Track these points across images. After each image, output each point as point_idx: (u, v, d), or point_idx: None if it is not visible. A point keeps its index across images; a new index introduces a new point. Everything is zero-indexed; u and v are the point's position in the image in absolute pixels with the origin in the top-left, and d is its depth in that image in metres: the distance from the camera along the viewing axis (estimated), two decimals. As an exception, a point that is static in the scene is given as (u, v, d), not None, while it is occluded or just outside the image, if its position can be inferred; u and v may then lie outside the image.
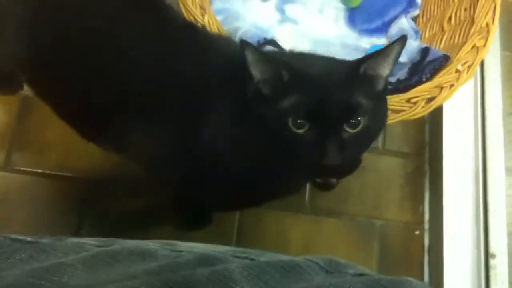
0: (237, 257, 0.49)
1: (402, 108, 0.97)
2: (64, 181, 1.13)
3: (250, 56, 0.67)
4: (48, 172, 1.12)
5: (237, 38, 1.02)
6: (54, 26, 0.80)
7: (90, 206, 1.12)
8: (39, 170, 1.12)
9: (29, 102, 1.15)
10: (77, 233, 1.09)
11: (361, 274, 0.48)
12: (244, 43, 0.67)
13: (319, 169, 0.72)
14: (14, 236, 0.48)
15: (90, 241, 0.49)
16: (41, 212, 1.10)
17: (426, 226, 1.20)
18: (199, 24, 0.95)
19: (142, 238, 1.07)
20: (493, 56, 1.25)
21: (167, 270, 0.43)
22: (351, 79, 0.71)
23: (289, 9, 1.26)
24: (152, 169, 0.86)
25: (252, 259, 0.48)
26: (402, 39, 0.72)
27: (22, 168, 1.12)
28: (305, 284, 0.45)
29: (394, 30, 1.22)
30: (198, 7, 0.98)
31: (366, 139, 0.74)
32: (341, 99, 0.69)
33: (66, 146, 1.13)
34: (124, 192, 1.12)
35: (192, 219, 1.08)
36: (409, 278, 0.47)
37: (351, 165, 0.74)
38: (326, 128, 0.69)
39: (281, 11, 1.25)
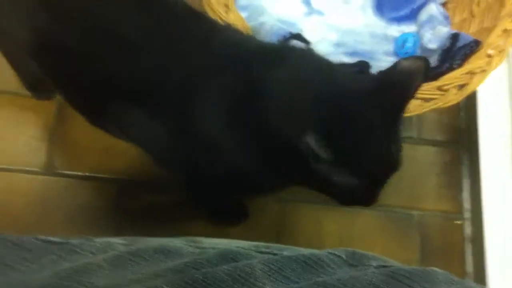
0: (260, 252, 0.49)
1: (433, 96, 0.95)
2: (103, 182, 1.15)
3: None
4: (87, 174, 1.15)
5: (262, 34, 1.02)
6: (57, 16, 0.80)
7: (130, 206, 1.14)
8: (79, 173, 1.15)
9: (66, 106, 1.17)
10: (117, 233, 1.10)
11: (384, 266, 0.47)
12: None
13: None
14: (44, 237, 0.49)
15: (117, 240, 0.50)
16: (81, 214, 1.12)
17: (467, 215, 1.17)
18: (221, 21, 0.96)
19: (180, 235, 1.10)
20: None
21: (190, 268, 0.44)
22: (393, 133, 0.70)
23: (315, 0, 1.25)
24: (157, 156, 0.86)
25: (274, 254, 0.48)
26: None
27: (61, 171, 1.15)
28: (327, 277, 0.45)
29: (423, 17, 1.20)
30: (222, 5, 0.98)
31: None
32: (390, 161, 0.70)
33: (104, 148, 1.14)
34: (162, 191, 1.13)
35: (227, 215, 1.09)
36: (433, 268, 0.47)
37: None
38: (375, 182, 0.70)
39: (307, 3, 1.24)
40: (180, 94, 0.75)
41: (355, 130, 0.67)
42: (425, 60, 0.72)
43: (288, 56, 0.76)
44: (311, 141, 0.63)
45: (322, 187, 0.74)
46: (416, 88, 0.71)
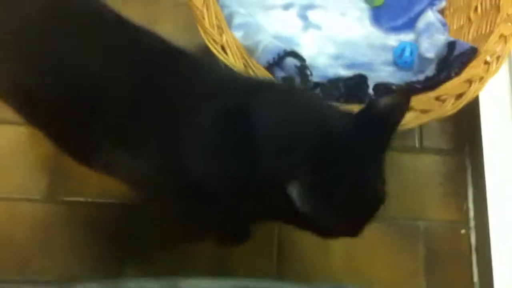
0: None
1: (431, 107, 0.94)
2: (106, 208, 1.14)
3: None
4: (90, 200, 1.14)
5: (257, 53, 1.02)
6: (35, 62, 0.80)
7: (133, 230, 1.12)
8: (81, 199, 1.14)
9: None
10: (120, 258, 1.10)
11: None
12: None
13: None
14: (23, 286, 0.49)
15: (93, 286, 0.49)
16: (84, 241, 1.11)
17: (472, 224, 1.15)
18: (215, 43, 0.96)
19: (184, 257, 1.08)
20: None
21: None
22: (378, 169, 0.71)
23: (312, 14, 1.25)
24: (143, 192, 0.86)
25: None
26: None
27: (64, 198, 1.14)
28: None
29: (422, 25, 1.19)
30: (215, 27, 0.98)
31: None
32: (377, 196, 0.71)
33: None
34: (165, 215, 1.13)
35: (230, 235, 1.08)
36: None
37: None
38: (362, 217, 0.71)
39: (304, 17, 1.24)
40: (167, 129, 0.75)
41: (342, 170, 0.67)
42: (405, 93, 0.74)
43: (270, 94, 0.76)
44: (294, 191, 0.62)
45: (306, 226, 0.73)
46: (398, 123, 0.71)
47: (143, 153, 0.76)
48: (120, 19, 0.82)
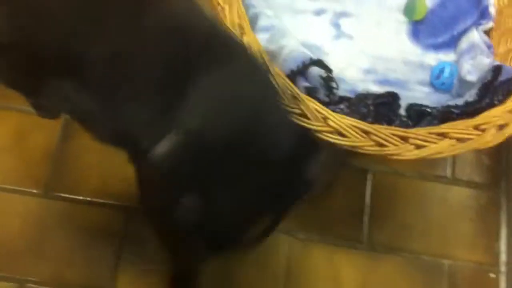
0: None
1: (469, 136, 0.84)
2: (103, 208, 1.08)
3: None
4: (88, 199, 1.08)
5: (280, 59, 0.93)
6: None
7: (129, 236, 1.06)
8: (79, 197, 1.08)
9: (71, 127, 1.12)
10: (114, 265, 1.04)
11: None
12: None
13: None
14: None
15: None
16: (79, 240, 1.05)
17: (503, 268, 1.05)
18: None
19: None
20: None
21: None
22: None
23: (344, 23, 1.15)
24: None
25: None
26: None
27: (62, 195, 1.08)
28: None
29: (464, 45, 1.09)
30: (237, 26, 0.90)
31: None
32: None
33: (105, 172, 1.08)
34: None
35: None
36: None
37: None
38: None
39: (336, 25, 1.15)
40: None
41: None
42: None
43: None
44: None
45: None
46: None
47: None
48: None
